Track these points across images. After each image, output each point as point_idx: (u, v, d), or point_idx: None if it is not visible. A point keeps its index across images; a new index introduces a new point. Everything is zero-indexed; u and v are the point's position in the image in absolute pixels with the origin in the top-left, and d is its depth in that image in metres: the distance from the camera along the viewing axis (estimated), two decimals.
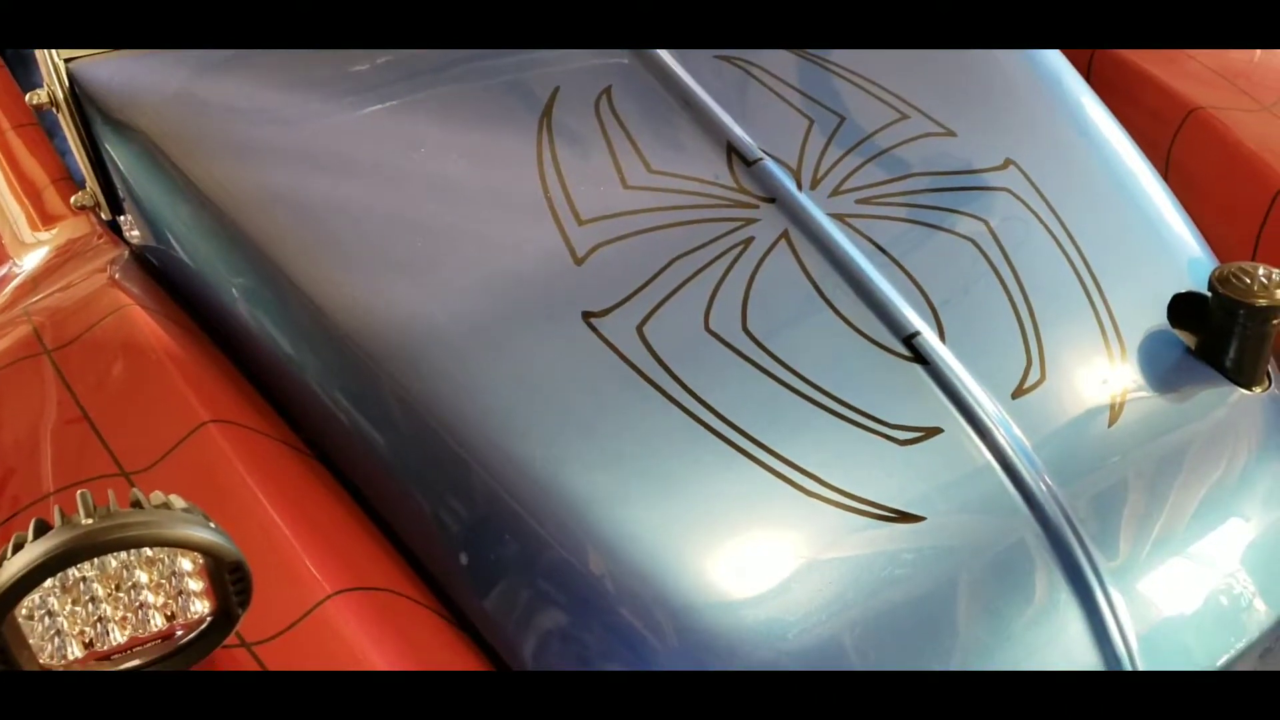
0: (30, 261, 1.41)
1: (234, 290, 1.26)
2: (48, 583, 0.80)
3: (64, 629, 0.82)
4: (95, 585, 0.82)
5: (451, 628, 1.07)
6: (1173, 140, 1.64)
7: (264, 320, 1.23)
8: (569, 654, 1.04)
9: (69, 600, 0.82)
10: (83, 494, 0.81)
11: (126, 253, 1.37)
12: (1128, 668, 1.09)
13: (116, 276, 1.30)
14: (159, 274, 1.35)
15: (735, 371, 1.15)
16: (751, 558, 1.06)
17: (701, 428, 1.11)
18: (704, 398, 1.13)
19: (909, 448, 1.13)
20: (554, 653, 1.05)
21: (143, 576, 0.84)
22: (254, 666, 0.94)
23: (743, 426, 1.11)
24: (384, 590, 1.04)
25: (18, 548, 0.79)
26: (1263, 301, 1.22)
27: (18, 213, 1.49)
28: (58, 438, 1.11)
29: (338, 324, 1.16)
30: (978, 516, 1.12)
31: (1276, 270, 1.25)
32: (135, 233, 1.38)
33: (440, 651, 1.03)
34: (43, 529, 0.80)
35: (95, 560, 0.81)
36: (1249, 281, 1.24)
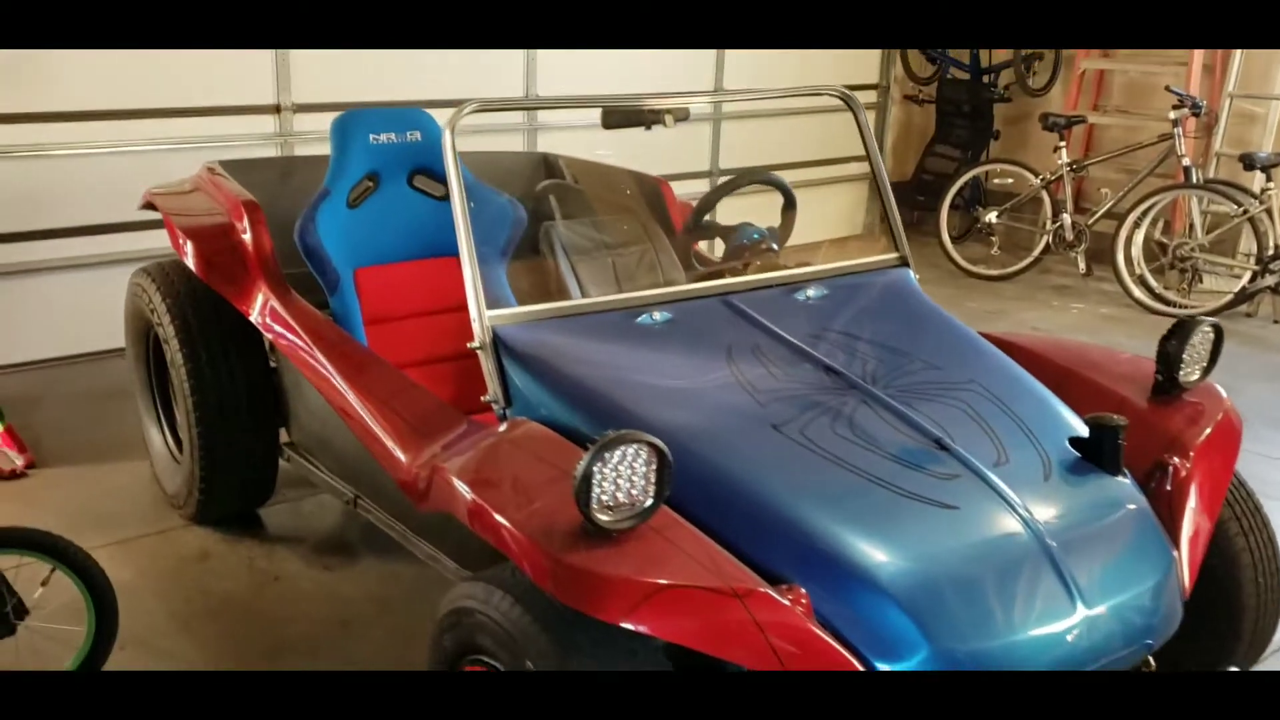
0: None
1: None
2: (606, 454, 1.93)
3: (606, 486, 1.94)
4: (620, 467, 1.94)
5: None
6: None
7: None
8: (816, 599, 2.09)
9: (608, 470, 1.94)
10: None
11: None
12: (1073, 593, 2.18)
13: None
14: None
15: (846, 447, 2.36)
16: (869, 521, 2.19)
17: (834, 466, 2.30)
18: (834, 454, 2.34)
19: (945, 482, 2.30)
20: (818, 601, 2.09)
21: (635, 466, 1.96)
22: (663, 542, 2.00)
23: (851, 463, 2.31)
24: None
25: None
26: (1116, 423, 2.45)
27: None
28: None
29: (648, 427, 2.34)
30: (979, 505, 2.27)
31: (1117, 415, 2.49)
32: (514, 415, 2.56)
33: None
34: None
35: (621, 451, 1.94)
36: (1106, 420, 2.48)
